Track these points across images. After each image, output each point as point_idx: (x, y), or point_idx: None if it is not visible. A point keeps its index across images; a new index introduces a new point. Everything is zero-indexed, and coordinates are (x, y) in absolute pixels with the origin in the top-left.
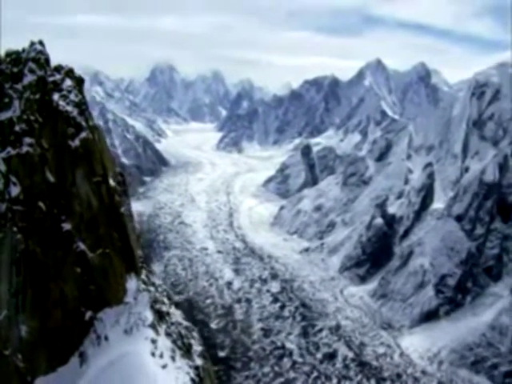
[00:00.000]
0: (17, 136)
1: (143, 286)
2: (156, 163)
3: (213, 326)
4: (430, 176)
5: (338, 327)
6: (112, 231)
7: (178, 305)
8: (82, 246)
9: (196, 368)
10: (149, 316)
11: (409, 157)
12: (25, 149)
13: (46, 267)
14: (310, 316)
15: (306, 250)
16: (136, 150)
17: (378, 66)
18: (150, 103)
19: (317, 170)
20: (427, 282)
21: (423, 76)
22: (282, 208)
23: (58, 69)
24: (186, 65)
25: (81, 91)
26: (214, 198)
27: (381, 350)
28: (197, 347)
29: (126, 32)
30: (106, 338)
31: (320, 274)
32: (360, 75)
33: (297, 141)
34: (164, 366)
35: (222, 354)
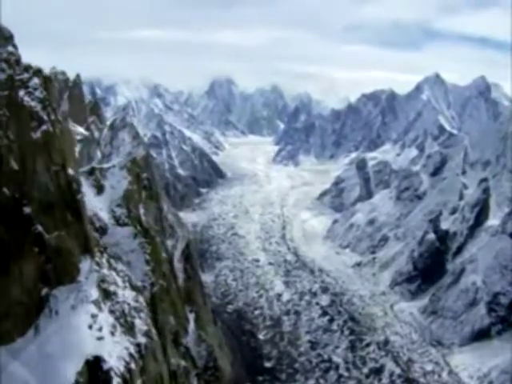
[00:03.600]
0: None
1: (96, 267)
2: (212, 175)
3: (260, 336)
4: (485, 191)
5: (386, 342)
6: (68, 216)
7: (227, 314)
8: (40, 228)
9: (138, 345)
10: (93, 293)
11: (464, 172)
12: None
13: (8, 247)
14: (359, 330)
15: (358, 264)
16: (192, 161)
17: (437, 80)
18: (208, 116)
19: (372, 185)
20: (479, 299)
21: (483, 90)
22: (335, 221)
23: (27, 68)
24: (245, 78)
25: (47, 89)
26: (268, 210)
27: (429, 367)
28: (142, 326)
29: (185, 46)
30: (57, 313)
31: (370, 289)
32: (418, 89)
33: (353, 155)
34: (99, 338)
35: (268, 364)
